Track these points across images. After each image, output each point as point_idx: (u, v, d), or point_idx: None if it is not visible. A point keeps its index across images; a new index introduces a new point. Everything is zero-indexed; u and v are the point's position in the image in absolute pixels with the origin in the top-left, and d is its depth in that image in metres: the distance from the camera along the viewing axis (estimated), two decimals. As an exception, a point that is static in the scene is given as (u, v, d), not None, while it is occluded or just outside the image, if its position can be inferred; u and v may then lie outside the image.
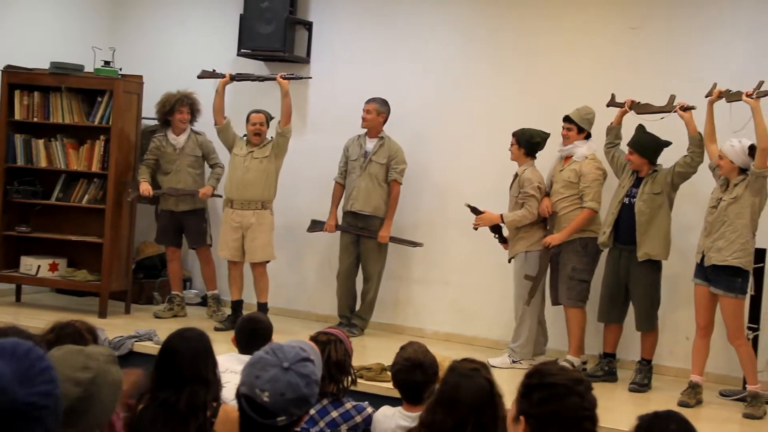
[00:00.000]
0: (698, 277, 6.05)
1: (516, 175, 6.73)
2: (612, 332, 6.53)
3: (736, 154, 5.86)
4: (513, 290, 6.79)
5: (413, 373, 3.65)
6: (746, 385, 6.04)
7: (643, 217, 6.26)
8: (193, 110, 7.69)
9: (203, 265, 7.85)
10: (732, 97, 6.04)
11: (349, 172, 7.40)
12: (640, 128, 6.36)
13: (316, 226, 7.55)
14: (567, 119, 6.60)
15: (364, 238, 7.36)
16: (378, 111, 7.28)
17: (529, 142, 6.66)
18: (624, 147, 6.46)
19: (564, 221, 6.57)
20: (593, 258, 6.60)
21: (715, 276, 5.92)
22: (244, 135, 7.45)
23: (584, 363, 6.62)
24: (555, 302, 6.76)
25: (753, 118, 5.77)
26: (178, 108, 7.60)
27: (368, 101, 7.32)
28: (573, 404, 2.30)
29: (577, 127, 6.57)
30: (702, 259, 5.98)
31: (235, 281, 7.45)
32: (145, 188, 7.46)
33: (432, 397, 2.82)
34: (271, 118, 7.42)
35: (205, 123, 7.68)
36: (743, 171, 5.89)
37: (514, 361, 6.67)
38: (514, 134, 6.72)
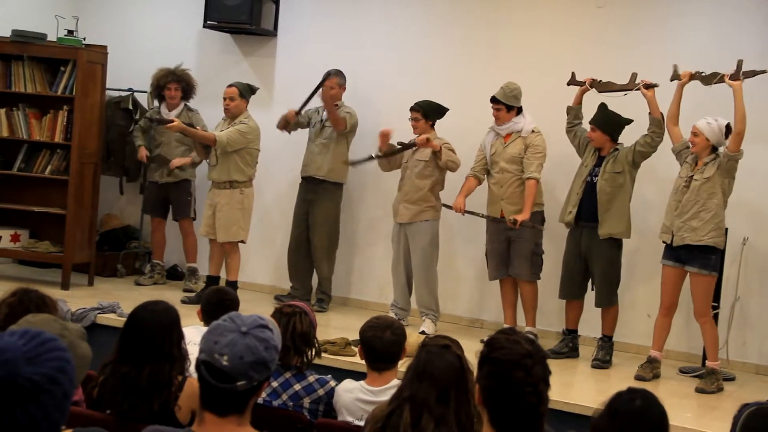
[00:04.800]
0: (668, 259, 6.09)
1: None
2: (574, 309, 6.58)
3: (713, 131, 5.88)
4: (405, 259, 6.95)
5: (383, 331, 3.66)
6: (706, 362, 6.14)
7: (605, 196, 6.30)
8: (185, 87, 7.65)
9: (183, 237, 7.83)
10: (708, 79, 6.05)
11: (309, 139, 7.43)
12: (603, 106, 6.38)
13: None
14: (494, 100, 6.60)
15: (313, 210, 7.34)
16: (340, 84, 7.27)
17: (436, 112, 6.87)
18: (586, 125, 6.49)
19: (516, 196, 6.57)
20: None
21: (689, 255, 5.96)
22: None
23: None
24: (497, 277, 6.79)
25: (734, 100, 5.80)
26: (166, 85, 7.61)
27: (328, 76, 7.22)
28: (517, 379, 2.30)
29: (506, 106, 6.57)
30: (672, 239, 6.02)
31: (212, 257, 7.44)
32: (143, 153, 7.54)
33: (408, 373, 2.84)
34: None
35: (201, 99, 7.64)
36: (714, 150, 5.93)
37: (435, 325, 6.91)
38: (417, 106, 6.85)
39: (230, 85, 7.31)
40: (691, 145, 5.98)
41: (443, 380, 2.77)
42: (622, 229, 6.33)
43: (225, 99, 7.25)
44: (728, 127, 5.88)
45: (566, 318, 6.63)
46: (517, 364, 2.31)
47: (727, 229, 6.18)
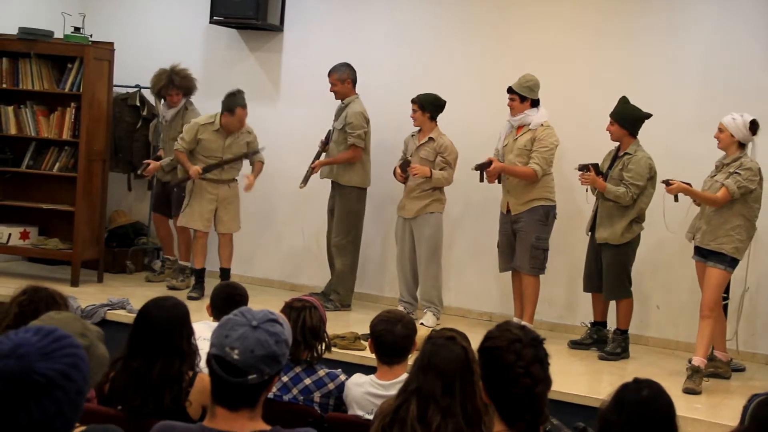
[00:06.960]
0: (696, 254, 6.04)
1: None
2: (596, 301, 6.59)
3: (737, 127, 5.78)
4: (404, 252, 6.96)
5: (394, 325, 3.67)
6: (693, 358, 5.89)
7: (605, 201, 6.30)
8: (186, 88, 7.65)
9: (179, 233, 7.75)
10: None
11: None
12: (623, 99, 6.34)
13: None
14: (509, 90, 6.57)
15: (334, 208, 7.34)
16: (341, 79, 7.21)
17: (433, 105, 6.83)
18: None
19: (519, 189, 6.55)
20: (551, 226, 6.64)
21: (708, 252, 5.89)
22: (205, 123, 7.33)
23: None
24: (505, 269, 6.79)
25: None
26: (166, 91, 7.61)
27: (329, 73, 7.23)
28: (508, 363, 2.33)
29: (519, 96, 6.54)
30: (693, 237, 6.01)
31: (203, 250, 7.42)
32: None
33: (414, 366, 2.86)
34: None
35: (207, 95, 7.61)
36: (741, 146, 5.82)
37: (437, 318, 6.88)
38: (414, 101, 6.85)
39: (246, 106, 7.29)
40: (717, 142, 5.87)
41: (448, 372, 2.78)
42: (611, 236, 6.31)
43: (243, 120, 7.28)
44: (754, 123, 5.79)
45: (593, 311, 6.62)
46: (507, 349, 2.35)
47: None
